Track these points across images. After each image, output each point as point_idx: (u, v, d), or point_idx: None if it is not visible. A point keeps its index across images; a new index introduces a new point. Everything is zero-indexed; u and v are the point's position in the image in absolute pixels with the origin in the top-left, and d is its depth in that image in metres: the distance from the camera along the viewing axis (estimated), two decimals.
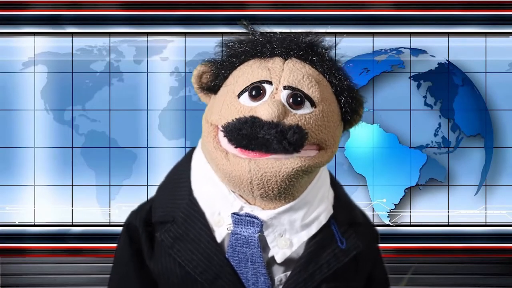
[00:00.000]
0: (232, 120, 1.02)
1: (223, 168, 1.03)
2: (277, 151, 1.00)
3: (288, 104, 1.03)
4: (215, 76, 1.11)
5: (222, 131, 1.03)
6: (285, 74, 1.05)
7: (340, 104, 1.09)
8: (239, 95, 1.05)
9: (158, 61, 2.64)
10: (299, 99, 1.04)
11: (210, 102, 1.12)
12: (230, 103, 1.05)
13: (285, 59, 1.08)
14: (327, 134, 1.06)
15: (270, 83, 1.05)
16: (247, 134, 0.99)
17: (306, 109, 1.04)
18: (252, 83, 1.05)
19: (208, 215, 1.08)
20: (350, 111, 1.10)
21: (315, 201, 1.09)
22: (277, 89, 1.04)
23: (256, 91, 1.04)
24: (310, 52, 1.08)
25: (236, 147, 1.02)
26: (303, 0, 2.59)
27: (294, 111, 1.03)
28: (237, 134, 1.00)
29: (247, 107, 1.04)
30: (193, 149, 1.17)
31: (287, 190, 1.03)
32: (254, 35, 1.10)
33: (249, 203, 1.06)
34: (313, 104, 1.04)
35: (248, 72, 1.07)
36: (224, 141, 1.04)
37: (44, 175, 2.62)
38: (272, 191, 1.02)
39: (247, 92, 1.05)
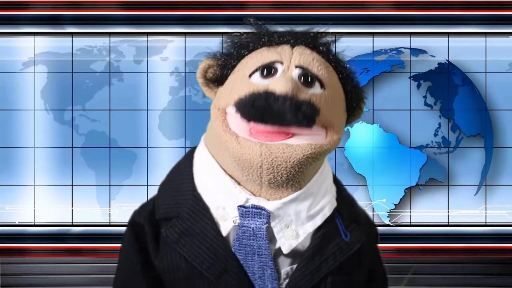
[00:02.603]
0: (245, 95, 1.02)
1: (233, 152, 1.03)
2: (291, 124, 1.00)
3: (299, 82, 1.04)
4: (223, 66, 1.11)
5: (234, 106, 1.03)
6: (295, 55, 1.06)
7: (346, 92, 1.10)
8: (250, 76, 1.06)
9: (158, 61, 2.64)
10: (309, 79, 1.05)
11: (218, 92, 1.12)
12: (240, 83, 1.06)
13: (293, 46, 1.09)
14: (335, 116, 1.07)
15: (281, 63, 1.06)
16: (261, 106, 1.00)
17: (316, 89, 1.05)
18: (263, 64, 1.06)
19: (212, 210, 1.08)
20: (355, 100, 1.11)
21: (320, 193, 1.10)
22: (288, 68, 1.05)
23: (268, 69, 1.05)
24: (316, 42, 1.10)
25: (249, 121, 1.02)
26: (303, 0, 2.59)
27: (305, 90, 1.04)
28: (250, 107, 1.00)
29: (259, 84, 1.04)
30: (194, 148, 1.18)
31: (295, 177, 1.03)
32: (260, 30, 1.11)
33: (254, 195, 1.06)
34: (322, 86, 1.05)
35: (258, 56, 1.08)
36: (233, 124, 1.05)
37: (44, 175, 2.62)
38: (281, 177, 1.02)
39: (258, 72, 1.05)
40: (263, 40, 1.10)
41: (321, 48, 1.09)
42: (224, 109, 1.07)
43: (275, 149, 1.01)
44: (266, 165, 1.01)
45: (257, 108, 1.00)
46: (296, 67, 1.05)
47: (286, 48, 1.08)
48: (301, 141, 1.03)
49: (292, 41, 1.09)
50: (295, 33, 1.10)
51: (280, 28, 1.13)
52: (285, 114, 0.99)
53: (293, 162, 1.01)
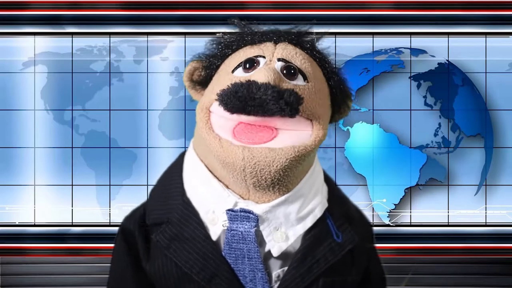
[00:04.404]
0: (228, 86, 1.01)
1: (217, 154, 1.02)
2: (274, 112, 0.99)
3: (282, 74, 1.04)
4: (207, 67, 1.11)
5: (217, 99, 1.01)
6: (278, 50, 1.07)
7: (330, 87, 1.10)
8: (233, 71, 1.06)
9: (158, 61, 2.64)
10: (292, 71, 1.04)
11: (203, 94, 1.12)
12: (224, 78, 1.06)
13: (276, 43, 1.09)
14: (320, 109, 1.06)
15: (263, 57, 1.06)
16: (243, 96, 0.98)
17: (299, 81, 1.05)
18: (246, 59, 1.06)
19: (202, 214, 1.08)
20: (340, 95, 1.11)
21: (310, 194, 1.09)
22: (270, 60, 1.05)
23: (250, 63, 1.05)
24: (300, 39, 1.10)
25: (232, 112, 1.00)
26: (303, 0, 2.59)
27: (288, 81, 1.04)
28: (233, 97, 0.99)
29: (242, 77, 1.04)
30: (183, 152, 1.18)
31: (280, 180, 1.02)
32: (244, 30, 1.12)
33: (243, 198, 1.06)
34: (305, 78, 1.05)
35: (241, 54, 1.08)
36: (217, 125, 1.04)
37: (44, 175, 2.62)
38: (265, 181, 1.01)
39: (240, 67, 1.05)
40: (246, 39, 1.10)
41: (304, 44, 1.10)
42: (208, 108, 1.06)
43: (258, 153, 1.00)
44: (249, 169, 1.00)
45: (239, 99, 0.98)
46: (279, 60, 1.05)
47: (269, 45, 1.08)
48: (285, 142, 1.02)
49: (275, 38, 1.09)
50: (278, 31, 1.10)
51: (279, 28, 1.13)
52: (268, 102, 0.98)
53: (276, 166, 1.00)
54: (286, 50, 1.06)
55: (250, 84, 0.99)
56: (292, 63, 1.05)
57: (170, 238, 1.08)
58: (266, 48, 1.07)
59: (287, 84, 1.02)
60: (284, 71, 1.04)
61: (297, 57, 1.06)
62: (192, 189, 1.11)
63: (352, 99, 1.15)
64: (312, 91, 1.05)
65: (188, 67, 1.13)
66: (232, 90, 0.99)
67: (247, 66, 1.05)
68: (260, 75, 1.00)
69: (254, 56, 1.06)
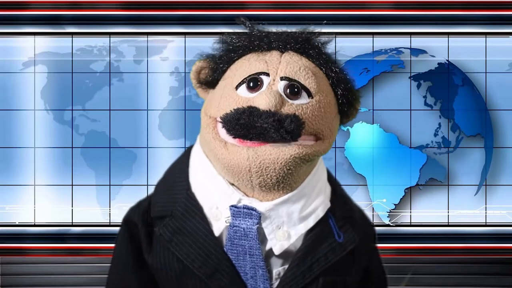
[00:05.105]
0: (230, 111, 1.03)
1: (222, 158, 1.04)
2: (274, 140, 1.02)
3: (285, 94, 1.05)
4: (214, 70, 1.12)
5: (220, 122, 1.04)
6: (282, 66, 1.07)
7: (337, 96, 1.11)
8: (237, 87, 1.07)
9: (158, 61, 2.64)
10: (295, 89, 1.05)
11: (208, 96, 1.14)
12: (228, 95, 1.07)
13: (282, 52, 1.09)
14: (323, 124, 1.07)
15: (267, 74, 1.06)
16: (245, 124, 1.01)
17: (303, 100, 1.05)
18: (250, 75, 1.06)
19: (206, 210, 1.09)
20: (347, 103, 1.12)
21: (313, 194, 1.10)
22: (274, 80, 1.06)
23: (254, 82, 1.06)
24: (307, 46, 1.10)
25: (234, 138, 1.03)
26: (303, 0, 2.59)
27: (291, 101, 1.04)
28: (235, 124, 1.01)
29: (245, 98, 1.05)
30: (191, 146, 1.19)
31: (285, 178, 1.04)
32: (251, 31, 1.12)
33: (247, 195, 1.07)
34: (309, 95, 1.06)
35: (246, 65, 1.08)
36: (222, 132, 1.06)
37: (44, 175, 2.62)
38: (271, 179, 1.03)
39: (244, 84, 1.07)
40: (253, 44, 1.10)
41: (311, 52, 1.10)
42: (215, 118, 1.08)
43: (262, 152, 1.02)
44: (254, 168, 1.02)
45: (242, 126, 1.01)
46: (282, 79, 1.06)
47: (274, 55, 1.08)
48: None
49: (281, 46, 1.09)
50: (286, 36, 1.10)
51: (278, 28, 1.13)
52: (268, 131, 1.00)
53: (281, 163, 1.01)
54: (290, 66, 1.07)
55: (252, 111, 1.01)
56: (296, 80, 1.06)
57: (172, 231, 1.09)
58: (270, 61, 1.07)
59: (290, 107, 1.03)
60: (288, 90, 1.05)
61: (301, 73, 1.06)
62: (197, 184, 1.12)
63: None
64: (316, 107, 1.06)
65: (195, 66, 1.15)
66: (235, 117, 1.02)
67: (251, 85, 1.06)
68: (261, 101, 1.02)
69: (258, 73, 1.06)
